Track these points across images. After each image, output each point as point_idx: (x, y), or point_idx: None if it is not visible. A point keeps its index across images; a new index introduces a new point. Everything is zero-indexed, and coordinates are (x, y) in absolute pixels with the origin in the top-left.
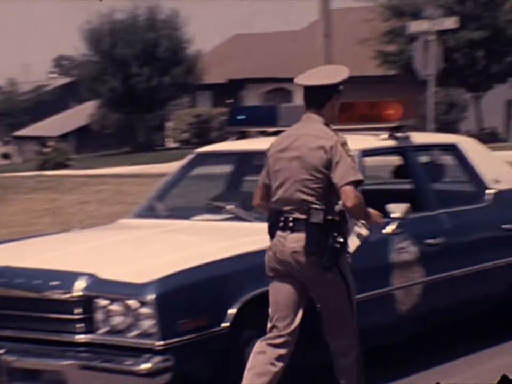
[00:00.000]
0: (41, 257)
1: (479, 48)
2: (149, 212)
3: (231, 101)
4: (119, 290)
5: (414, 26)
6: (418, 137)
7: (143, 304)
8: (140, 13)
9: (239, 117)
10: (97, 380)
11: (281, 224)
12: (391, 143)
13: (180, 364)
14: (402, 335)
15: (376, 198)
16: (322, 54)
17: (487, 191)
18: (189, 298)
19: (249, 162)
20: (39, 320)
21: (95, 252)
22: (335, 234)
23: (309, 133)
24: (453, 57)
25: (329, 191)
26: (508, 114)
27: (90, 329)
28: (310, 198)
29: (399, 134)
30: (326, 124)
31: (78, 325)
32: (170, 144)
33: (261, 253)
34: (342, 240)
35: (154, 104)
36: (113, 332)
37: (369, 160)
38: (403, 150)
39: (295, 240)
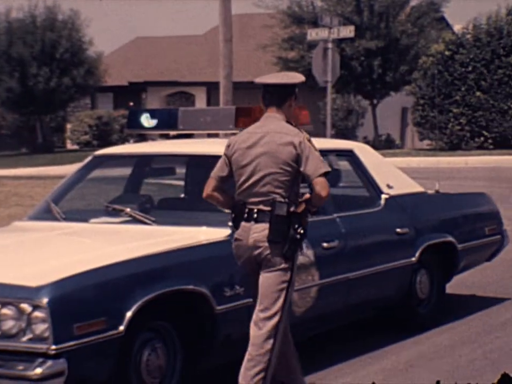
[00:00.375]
0: None
1: (375, 57)
2: (45, 214)
3: (132, 103)
4: (12, 294)
5: (313, 34)
6: (316, 143)
7: (36, 307)
8: (39, 12)
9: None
10: None
11: (245, 215)
12: None
13: (74, 368)
14: (298, 337)
15: None
16: (221, 59)
17: (382, 196)
18: (83, 301)
19: (147, 165)
20: None
21: None
22: (296, 226)
23: (276, 130)
24: (350, 65)
25: (294, 185)
26: (402, 122)
27: None
28: (277, 190)
29: None
30: (288, 122)
31: None
32: (70, 146)
33: (158, 256)
34: (302, 231)
35: (53, 105)
36: (5, 336)
37: None
38: None
39: (259, 230)
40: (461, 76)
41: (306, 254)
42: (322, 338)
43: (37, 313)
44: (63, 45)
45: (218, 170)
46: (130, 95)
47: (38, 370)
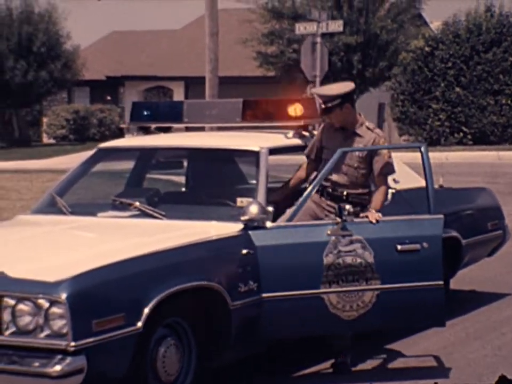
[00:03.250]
0: None
1: (354, 52)
2: (50, 208)
3: (110, 98)
4: (29, 289)
5: (301, 28)
6: None
7: (54, 303)
8: (15, 5)
9: (145, 113)
10: (5, 383)
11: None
12: (298, 141)
13: (92, 365)
14: None
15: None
16: (207, 52)
17: (389, 190)
18: (102, 297)
19: (152, 159)
20: None
21: (2, 249)
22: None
23: None
24: (330, 60)
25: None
26: (379, 117)
27: None
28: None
29: (304, 133)
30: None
31: None
32: (47, 139)
33: (173, 251)
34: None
35: (30, 99)
36: (22, 332)
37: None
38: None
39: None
40: (440, 71)
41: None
42: None
43: (55, 309)
44: (40, 38)
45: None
46: (108, 89)
47: (58, 367)
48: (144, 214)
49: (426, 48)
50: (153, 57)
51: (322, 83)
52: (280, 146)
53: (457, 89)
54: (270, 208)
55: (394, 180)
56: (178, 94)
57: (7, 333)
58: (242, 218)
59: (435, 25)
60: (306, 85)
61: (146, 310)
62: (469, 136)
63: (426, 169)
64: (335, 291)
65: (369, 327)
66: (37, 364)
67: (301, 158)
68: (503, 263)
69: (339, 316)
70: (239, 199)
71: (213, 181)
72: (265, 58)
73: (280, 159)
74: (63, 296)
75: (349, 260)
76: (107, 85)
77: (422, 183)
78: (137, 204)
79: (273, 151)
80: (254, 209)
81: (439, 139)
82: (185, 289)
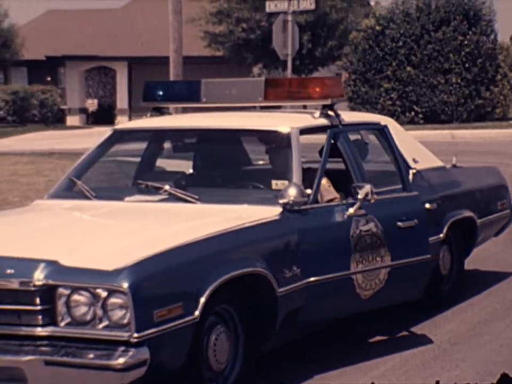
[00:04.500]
0: None
1: (304, 32)
2: (70, 193)
3: (50, 78)
4: (86, 279)
5: (272, 6)
6: (346, 116)
7: (114, 292)
8: None
9: (160, 93)
10: (63, 376)
11: None
12: (324, 121)
13: (154, 356)
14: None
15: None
16: (171, 31)
17: (410, 171)
18: (163, 285)
19: (172, 140)
20: None
21: (45, 236)
22: None
23: None
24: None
25: None
26: None
27: (52, 321)
28: None
29: (330, 112)
30: None
31: (39, 317)
32: None
33: (222, 236)
34: None
35: None
36: (78, 323)
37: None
38: (335, 128)
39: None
40: (391, 51)
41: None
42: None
43: (115, 299)
44: None
45: None
46: (46, 69)
47: (121, 360)
48: (174, 198)
49: (377, 27)
50: (95, 37)
51: (294, 62)
52: (309, 126)
53: (408, 68)
54: (309, 191)
55: (414, 160)
56: (121, 75)
57: (63, 323)
58: (281, 201)
59: (384, 5)
60: (255, 65)
61: (202, 299)
62: (420, 115)
63: (394, 149)
64: (361, 271)
65: (379, 305)
66: (98, 356)
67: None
68: (497, 241)
69: (360, 295)
70: (274, 182)
71: (241, 163)
72: (213, 38)
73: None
74: (125, 285)
75: (368, 239)
76: (46, 65)
77: (438, 162)
78: (167, 187)
79: (303, 131)
80: (292, 192)
81: (390, 118)
82: (237, 276)
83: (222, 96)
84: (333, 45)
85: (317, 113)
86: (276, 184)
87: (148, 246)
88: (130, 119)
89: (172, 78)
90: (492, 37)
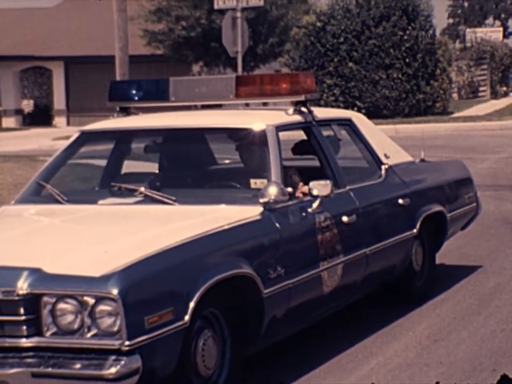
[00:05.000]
0: None
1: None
2: (39, 197)
3: None
4: (72, 286)
5: (220, 3)
6: (316, 112)
7: (103, 300)
8: None
9: (126, 92)
10: None
11: None
12: (298, 118)
13: (146, 365)
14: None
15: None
16: (116, 30)
17: (382, 166)
18: (153, 291)
19: (143, 141)
20: None
21: (23, 243)
22: None
23: None
24: (220, 37)
25: None
26: None
27: (37, 332)
28: None
29: (303, 109)
30: None
31: (23, 327)
32: None
33: (207, 238)
34: None
35: None
36: (64, 332)
37: None
38: (309, 125)
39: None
40: (333, 47)
41: None
42: (327, 323)
43: (103, 306)
44: None
45: None
46: None
47: (113, 369)
48: (150, 200)
49: (318, 24)
50: (29, 36)
51: (244, 59)
52: (284, 123)
53: (350, 64)
54: (289, 189)
55: (385, 155)
56: (58, 74)
57: (48, 333)
58: (262, 200)
59: (323, 1)
60: (195, 63)
61: (192, 303)
62: (363, 111)
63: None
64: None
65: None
66: (88, 366)
67: (300, 135)
68: (459, 235)
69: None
70: (252, 180)
71: (212, 162)
72: (153, 36)
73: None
74: (114, 291)
75: (328, 235)
76: None
77: (408, 157)
78: (142, 189)
79: (279, 128)
80: (273, 191)
81: None
82: (224, 278)
83: (192, 95)
84: (274, 41)
85: (291, 110)
86: (255, 183)
87: (132, 250)
88: (68, 120)
89: (118, 77)
90: (431, 32)
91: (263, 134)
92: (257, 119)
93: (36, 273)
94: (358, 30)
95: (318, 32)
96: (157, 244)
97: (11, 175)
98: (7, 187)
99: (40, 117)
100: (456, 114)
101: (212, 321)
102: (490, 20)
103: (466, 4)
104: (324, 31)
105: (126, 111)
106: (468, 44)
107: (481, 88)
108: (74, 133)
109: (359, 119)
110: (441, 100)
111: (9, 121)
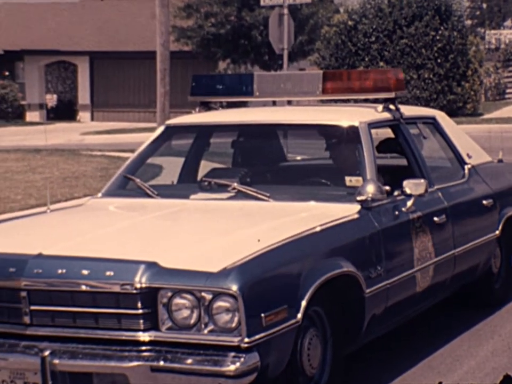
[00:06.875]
0: (69, 244)
1: None
2: (127, 191)
3: (8, 73)
4: (190, 281)
5: (267, 0)
6: (404, 110)
7: (220, 295)
8: None
9: (209, 87)
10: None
11: None
12: (387, 115)
13: (263, 362)
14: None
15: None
16: (158, 25)
17: (465, 166)
18: (269, 287)
19: (225, 136)
20: (89, 317)
21: (132, 237)
22: None
23: None
24: (250, 34)
25: None
26: None
27: (154, 326)
28: None
29: (391, 106)
30: None
31: (140, 321)
32: None
33: (314, 236)
34: None
35: None
36: (180, 328)
37: None
38: (397, 122)
39: None
40: (364, 46)
41: None
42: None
43: (221, 302)
44: None
45: None
46: (5, 64)
47: (233, 366)
48: (242, 196)
49: (350, 22)
50: (54, 31)
51: (263, 58)
52: (375, 120)
53: (381, 63)
54: (387, 187)
55: (468, 155)
56: (83, 69)
57: (164, 328)
58: (359, 198)
59: (353, 0)
60: (223, 60)
61: (303, 302)
62: None
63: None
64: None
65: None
66: (207, 362)
67: (386, 132)
68: None
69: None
70: (347, 178)
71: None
72: (181, 33)
73: None
74: (234, 287)
75: (421, 235)
76: (3, 60)
77: (488, 157)
78: (235, 184)
79: (371, 125)
80: (371, 189)
81: None
82: (331, 277)
83: (277, 90)
84: (303, 39)
85: (380, 107)
86: (350, 180)
87: (246, 246)
88: (92, 115)
89: (159, 73)
90: (463, 32)
91: (356, 130)
92: (348, 115)
93: (153, 267)
94: (389, 29)
95: (349, 31)
96: (267, 240)
97: (57, 169)
98: (56, 180)
99: (64, 111)
100: (486, 116)
101: (314, 320)
102: (509, 22)
103: (484, 6)
104: (355, 29)
105: (207, 106)
106: (492, 46)
107: (508, 90)
108: (100, 127)
109: (442, 118)
110: (472, 101)
111: (33, 115)
